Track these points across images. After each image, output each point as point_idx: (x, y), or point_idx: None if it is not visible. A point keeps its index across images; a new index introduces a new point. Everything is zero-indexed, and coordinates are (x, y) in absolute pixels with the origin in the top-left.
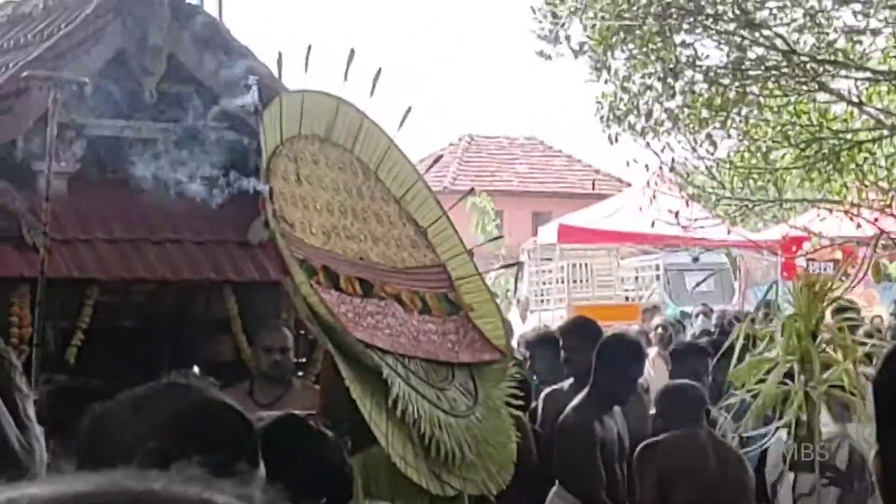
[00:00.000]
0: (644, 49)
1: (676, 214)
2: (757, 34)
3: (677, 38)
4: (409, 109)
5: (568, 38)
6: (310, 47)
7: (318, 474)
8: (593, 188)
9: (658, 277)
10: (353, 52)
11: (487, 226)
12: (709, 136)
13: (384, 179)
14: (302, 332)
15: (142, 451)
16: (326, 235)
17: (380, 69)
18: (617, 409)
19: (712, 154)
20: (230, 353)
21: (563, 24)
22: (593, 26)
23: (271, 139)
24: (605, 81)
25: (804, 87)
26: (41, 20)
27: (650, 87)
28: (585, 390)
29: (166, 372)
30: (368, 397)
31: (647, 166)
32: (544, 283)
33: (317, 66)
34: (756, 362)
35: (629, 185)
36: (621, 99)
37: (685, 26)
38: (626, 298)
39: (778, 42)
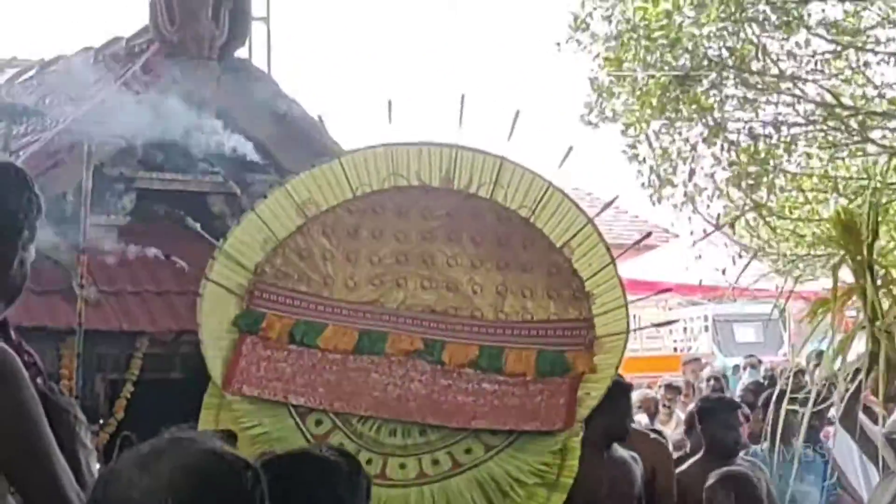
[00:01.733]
0: (687, 102)
1: (724, 272)
2: (800, 88)
3: (720, 93)
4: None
5: (614, 111)
6: (390, 103)
7: None
8: (640, 242)
9: (707, 328)
10: (463, 97)
11: None
12: (751, 187)
13: (542, 226)
14: None
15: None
16: (371, 286)
17: (518, 111)
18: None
19: (754, 208)
20: None
21: (605, 98)
22: (636, 99)
23: (330, 194)
24: (648, 146)
25: (851, 140)
26: (91, 75)
27: (693, 147)
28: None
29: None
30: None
31: (689, 218)
32: None
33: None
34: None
35: (677, 236)
36: (660, 165)
37: (729, 82)
38: (675, 349)
39: (824, 94)
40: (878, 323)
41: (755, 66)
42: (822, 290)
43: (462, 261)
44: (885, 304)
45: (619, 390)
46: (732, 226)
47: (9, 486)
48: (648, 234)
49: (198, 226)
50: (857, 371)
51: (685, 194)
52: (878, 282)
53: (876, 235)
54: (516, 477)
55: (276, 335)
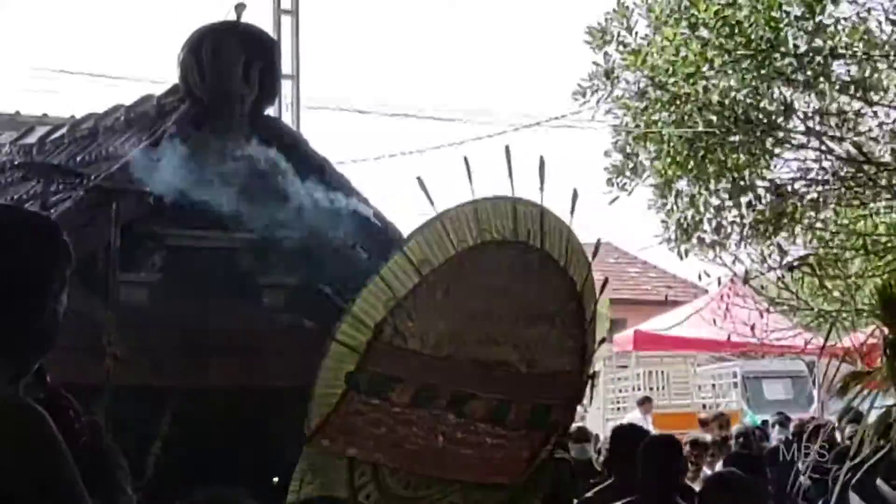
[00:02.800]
0: (713, 161)
1: (752, 328)
2: (826, 145)
3: (746, 150)
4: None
5: (640, 165)
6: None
7: None
8: (666, 300)
9: (735, 385)
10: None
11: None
12: (778, 245)
13: (572, 272)
14: None
15: None
16: (447, 342)
17: (542, 159)
18: None
19: (781, 262)
20: None
21: (635, 155)
22: (666, 151)
23: (437, 255)
24: (671, 207)
25: (880, 196)
26: (122, 133)
27: (722, 204)
28: None
29: (245, 480)
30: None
31: (719, 280)
32: (620, 391)
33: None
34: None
35: (705, 291)
36: (685, 218)
37: (757, 137)
38: (704, 406)
39: (852, 150)
40: None
41: (781, 123)
42: (852, 347)
43: (512, 312)
44: None
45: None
46: (760, 287)
47: None
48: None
49: (338, 300)
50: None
51: (713, 248)
52: None
53: None
54: None
55: (367, 388)
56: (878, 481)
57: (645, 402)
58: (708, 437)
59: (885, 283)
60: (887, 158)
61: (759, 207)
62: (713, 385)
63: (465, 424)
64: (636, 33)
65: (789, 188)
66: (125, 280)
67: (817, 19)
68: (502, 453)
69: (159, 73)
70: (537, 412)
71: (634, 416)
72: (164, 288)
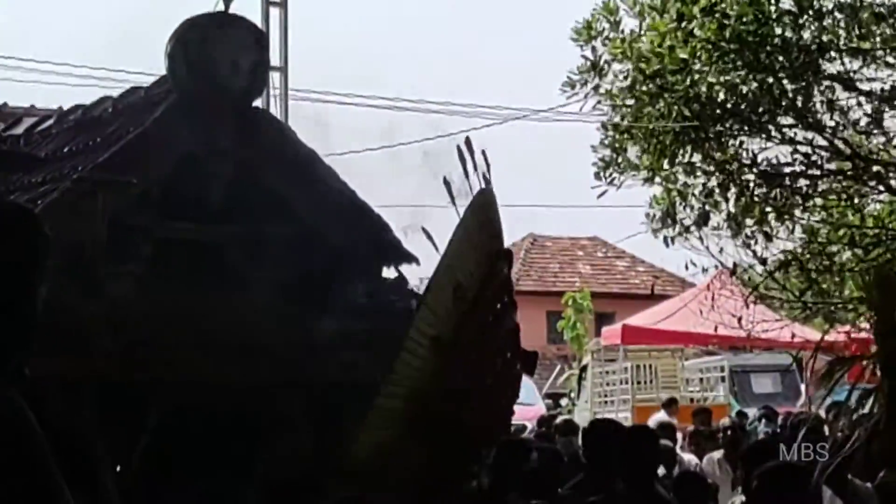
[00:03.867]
0: (700, 153)
1: (739, 320)
2: (818, 136)
3: (734, 142)
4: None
5: (627, 160)
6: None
7: None
8: (652, 292)
9: (723, 379)
10: (468, 140)
11: (579, 324)
12: (765, 234)
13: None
14: None
15: None
16: None
17: (486, 161)
18: None
19: (768, 251)
20: (295, 457)
21: (623, 150)
22: (653, 144)
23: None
24: (660, 185)
25: (868, 189)
26: (110, 124)
27: (710, 193)
28: None
29: (235, 473)
30: None
31: (704, 269)
32: (608, 385)
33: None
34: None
35: (693, 285)
36: (674, 203)
37: (744, 129)
38: (692, 400)
39: (840, 144)
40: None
41: (770, 114)
42: (838, 341)
43: None
44: None
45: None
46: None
47: None
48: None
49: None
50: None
51: (699, 236)
52: None
53: None
54: None
55: None
56: (849, 476)
57: (671, 405)
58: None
59: (878, 268)
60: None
61: (746, 197)
62: (701, 379)
63: None
64: (622, 29)
65: (776, 180)
66: (111, 272)
67: (805, 15)
68: None
69: (148, 64)
70: None
71: (660, 417)
72: (151, 280)
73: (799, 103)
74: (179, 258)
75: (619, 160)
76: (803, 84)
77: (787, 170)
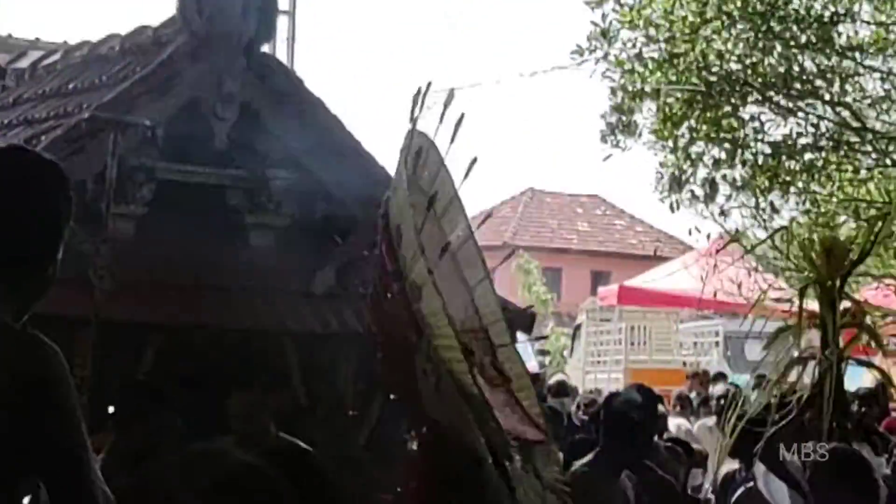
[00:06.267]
0: (709, 122)
1: (739, 286)
2: (826, 108)
3: (744, 112)
4: (474, 160)
5: (634, 123)
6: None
7: None
8: (654, 254)
9: (717, 343)
10: (452, 92)
11: (534, 286)
12: (771, 203)
13: (445, 228)
14: (358, 384)
15: None
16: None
17: (462, 115)
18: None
19: (772, 222)
20: (288, 402)
21: (630, 113)
22: (663, 109)
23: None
24: (669, 151)
25: (874, 162)
26: (116, 62)
27: (717, 161)
28: None
29: (225, 419)
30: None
31: (708, 235)
32: (601, 344)
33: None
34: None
35: (691, 248)
36: (683, 170)
37: (752, 99)
38: (684, 363)
39: (849, 116)
40: (826, 352)
41: (780, 85)
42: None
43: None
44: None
45: None
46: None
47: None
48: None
49: None
50: (799, 401)
51: (705, 202)
52: (845, 313)
53: (857, 265)
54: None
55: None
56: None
57: (697, 376)
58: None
59: (827, 236)
60: (880, 126)
61: (753, 165)
62: (694, 343)
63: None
64: None
65: (784, 151)
66: (113, 212)
67: None
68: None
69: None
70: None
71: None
72: (152, 222)
73: (810, 74)
74: (182, 201)
75: (627, 124)
76: (815, 55)
77: (798, 141)
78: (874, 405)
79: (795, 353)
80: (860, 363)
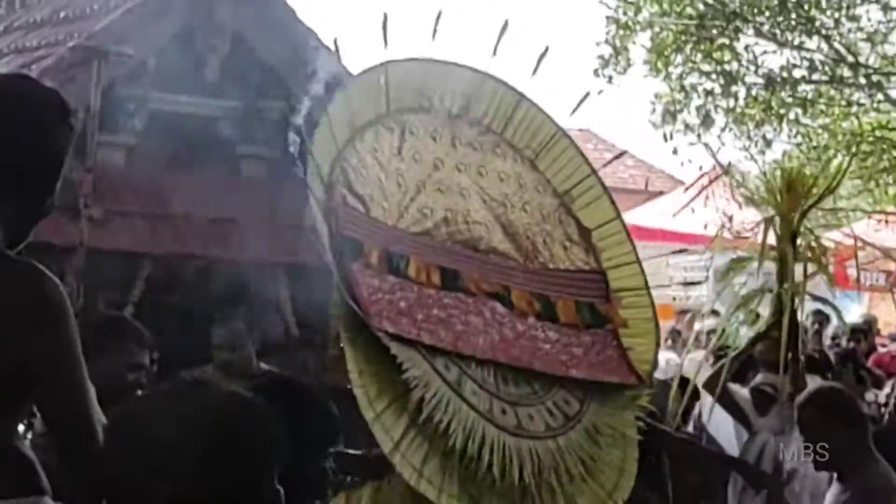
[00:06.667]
0: (704, 52)
1: (731, 219)
2: (820, 41)
3: (739, 44)
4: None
5: (628, 60)
6: (385, 16)
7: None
8: (646, 187)
9: (707, 278)
10: (506, 24)
11: None
12: (763, 137)
13: (544, 170)
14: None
15: (181, 449)
16: (420, 215)
17: (547, 48)
18: None
19: (765, 155)
20: (280, 334)
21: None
22: (658, 40)
23: (369, 106)
24: (664, 78)
25: (867, 97)
26: None
27: (710, 92)
28: None
29: (214, 349)
30: (383, 397)
31: (700, 167)
32: None
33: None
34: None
35: (682, 183)
36: (677, 100)
37: (748, 31)
38: (674, 299)
39: (844, 51)
40: (785, 285)
41: (774, 15)
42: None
43: (492, 198)
44: (807, 269)
45: None
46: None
47: (26, 416)
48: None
49: None
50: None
51: (697, 135)
52: (804, 247)
53: (819, 201)
54: (619, 430)
55: (376, 262)
56: (730, 384)
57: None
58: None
59: (792, 168)
60: (874, 59)
61: (747, 97)
62: (684, 277)
63: (520, 318)
64: None
65: (778, 84)
66: (103, 142)
67: None
68: (581, 351)
69: None
70: (582, 310)
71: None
72: (143, 152)
73: (805, 3)
74: (172, 130)
75: (619, 57)
76: None
77: (792, 74)
78: (863, 340)
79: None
80: (815, 298)
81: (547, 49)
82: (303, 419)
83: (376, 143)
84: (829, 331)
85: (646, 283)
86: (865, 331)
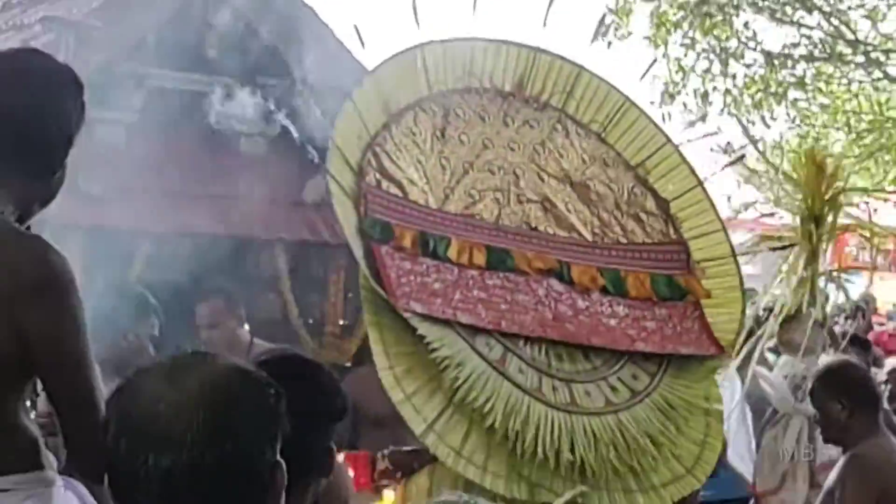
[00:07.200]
0: (702, 29)
1: (729, 199)
2: (820, 18)
3: (737, 21)
4: None
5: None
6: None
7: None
8: None
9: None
10: None
11: None
12: (762, 117)
13: (614, 143)
14: (350, 294)
15: (180, 421)
16: (468, 197)
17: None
18: None
19: (762, 137)
20: (278, 311)
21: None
22: (657, 15)
23: (407, 90)
24: (662, 55)
25: (866, 75)
26: None
27: (708, 70)
28: None
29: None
30: (412, 379)
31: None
32: None
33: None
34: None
35: None
36: (675, 82)
37: (746, 8)
38: None
39: (842, 27)
40: (808, 267)
41: None
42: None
43: (552, 175)
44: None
45: None
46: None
47: (31, 392)
48: None
49: None
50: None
51: (695, 113)
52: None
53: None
54: (691, 402)
55: (409, 245)
56: (758, 367)
57: None
58: None
59: (816, 150)
60: (873, 37)
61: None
62: None
63: (581, 293)
64: None
65: (777, 61)
66: (102, 119)
67: None
68: (653, 325)
69: None
70: (658, 283)
71: None
72: (142, 129)
73: None
74: (171, 108)
75: (619, 29)
76: None
77: (791, 52)
78: (861, 319)
79: (785, 268)
80: (831, 279)
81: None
82: (306, 394)
83: (415, 127)
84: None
85: (732, 250)
86: (864, 309)
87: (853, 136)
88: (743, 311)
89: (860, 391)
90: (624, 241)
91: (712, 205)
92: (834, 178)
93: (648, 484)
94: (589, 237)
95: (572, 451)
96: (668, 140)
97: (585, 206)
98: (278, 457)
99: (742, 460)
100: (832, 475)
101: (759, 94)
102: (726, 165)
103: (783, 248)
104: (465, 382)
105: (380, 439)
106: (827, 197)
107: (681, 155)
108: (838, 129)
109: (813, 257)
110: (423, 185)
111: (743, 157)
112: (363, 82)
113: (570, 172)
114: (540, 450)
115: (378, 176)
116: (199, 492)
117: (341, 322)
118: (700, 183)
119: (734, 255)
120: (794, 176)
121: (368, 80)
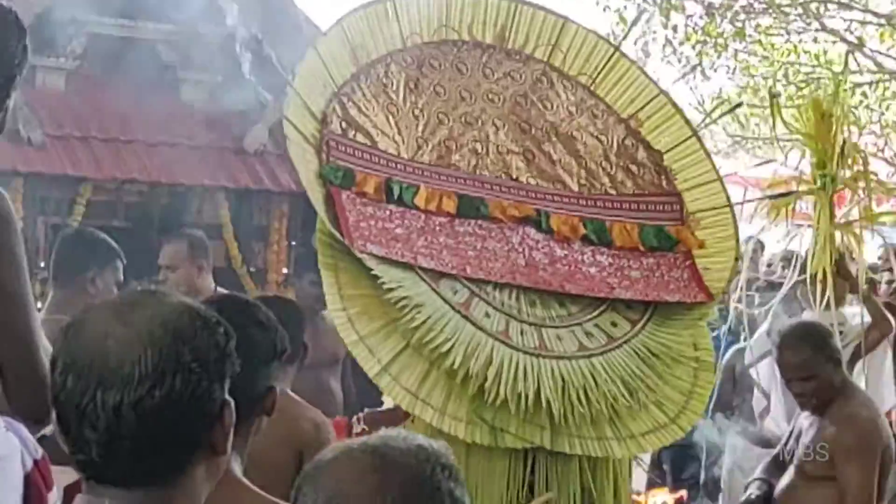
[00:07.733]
0: None
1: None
2: None
3: None
4: None
5: None
6: None
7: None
8: None
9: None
10: None
11: None
12: (702, 71)
13: (604, 95)
14: (293, 242)
15: (128, 357)
16: (443, 147)
17: None
18: None
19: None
20: (221, 258)
21: None
22: None
23: (377, 41)
24: (604, 9)
25: (805, 26)
26: None
27: (648, 21)
28: None
29: (155, 274)
30: (367, 320)
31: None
32: None
33: None
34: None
35: None
36: (615, 34)
37: None
38: None
39: None
40: (819, 221)
41: None
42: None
43: (535, 127)
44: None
45: None
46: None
47: None
48: None
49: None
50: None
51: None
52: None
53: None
54: (675, 349)
55: (372, 191)
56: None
57: None
58: None
59: (816, 100)
60: None
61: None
62: None
63: (560, 242)
64: None
65: (716, 12)
66: (42, 65)
67: None
68: (638, 273)
69: None
70: (648, 233)
71: None
72: (83, 76)
73: None
74: (112, 54)
75: None
76: None
77: (731, 3)
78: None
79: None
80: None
81: None
82: (252, 335)
83: (386, 79)
84: (764, 257)
85: (728, 200)
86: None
87: (791, 88)
88: (735, 259)
89: (836, 347)
90: (613, 192)
91: (707, 155)
92: (841, 125)
93: (626, 432)
94: (575, 188)
95: (538, 394)
96: (662, 91)
97: (572, 157)
98: (227, 395)
99: (778, 427)
100: (826, 435)
101: (699, 46)
102: (722, 114)
103: (798, 195)
104: (424, 324)
105: None
106: (842, 146)
107: (675, 106)
108: (778, 81)
109: (830, 208)
110: (393, 134)
111: (741, 104)
112: (328, 32)
113: (556, 124)
114: (503, 392)
115: (344, 125)
116: (147, 428)
117: (284, 270)
118: (695, 133)
119: (730, 204)
120: (801, 129)
121: (334, 30)
